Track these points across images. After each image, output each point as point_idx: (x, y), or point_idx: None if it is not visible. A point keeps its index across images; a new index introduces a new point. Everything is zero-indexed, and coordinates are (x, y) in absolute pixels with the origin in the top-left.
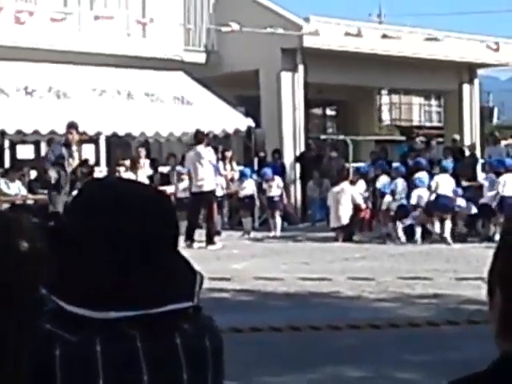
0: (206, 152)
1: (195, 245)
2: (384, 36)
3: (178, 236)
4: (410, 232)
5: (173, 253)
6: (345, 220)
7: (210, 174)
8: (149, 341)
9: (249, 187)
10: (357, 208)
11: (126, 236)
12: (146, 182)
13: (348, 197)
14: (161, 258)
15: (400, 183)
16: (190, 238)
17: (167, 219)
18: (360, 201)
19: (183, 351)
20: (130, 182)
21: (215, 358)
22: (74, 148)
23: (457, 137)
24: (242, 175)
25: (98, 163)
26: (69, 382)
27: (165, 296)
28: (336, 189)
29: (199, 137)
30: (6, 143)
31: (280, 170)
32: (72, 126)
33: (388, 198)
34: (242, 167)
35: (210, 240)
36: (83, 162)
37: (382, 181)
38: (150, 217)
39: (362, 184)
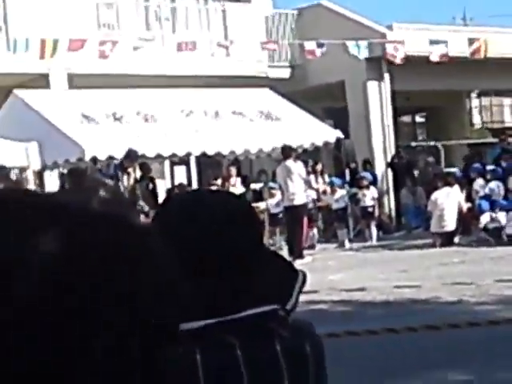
0: (295, 166)
1: (299, 261)
2: (469, 39)
3: (263, 235)
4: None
5: (261, 254)
6: (450, 225)
7: (301, 188)
8: (249, 349)
9: (341, 199)
10: (460, 212)
11: (205, 245)
12: None
13: (453, 201)
14: (244, 261)
15: (496, 186)
16: (292, 254)
17: (248, 224)
18: (464, 205)
19: (284, 358)
20: (211, 192)
21: (317, 365)
22: (131, 169)
23: None
24: (334, 185)
25: (189, 184)
26: None
27: (250, 300)
28: (440, 193)
29: (286, 151)
30: None
31: (372, 180)
32: (132, 157)
33: (486, 218)
34: (333, 178)
35: (299, 255)
36: (177, 186)
37: (478, 184)
38: (231, 224)
39: (456, 188)
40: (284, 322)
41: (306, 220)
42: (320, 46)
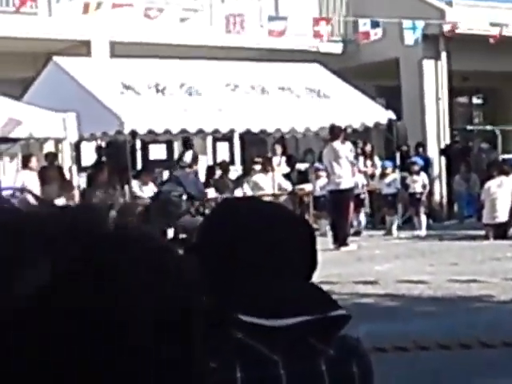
0: (343, 148)
1: (344, 248)
2: None
3: (315, 268)
4: None
5: (305, 283)
6: (502, 216)
7: (347, 172)
8: (292, 367)
9: (393, 183)
10: None
11: (256, 260)
12: (283, 180)
13: (506, 191)
14: (291, 281)
15: None
16: (337, 241)
17: (299, 247)
18: None
19: (329, 379)
20: (263, 205)
21: None
22: None
23: None
24: (385, 169)
25: (232, 162)
26: None
27: (293, 310)
28: (493, 182)
29: (335, 132)
30: (138, 144)
31: (424, 165)
32: None
33: None
34: (384, 161)
35: (343, 241)
36: (219, 164)
37: None
38: (279, 244)
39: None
40: (328, 337)
41: (352, 205)
42: (374, 26)
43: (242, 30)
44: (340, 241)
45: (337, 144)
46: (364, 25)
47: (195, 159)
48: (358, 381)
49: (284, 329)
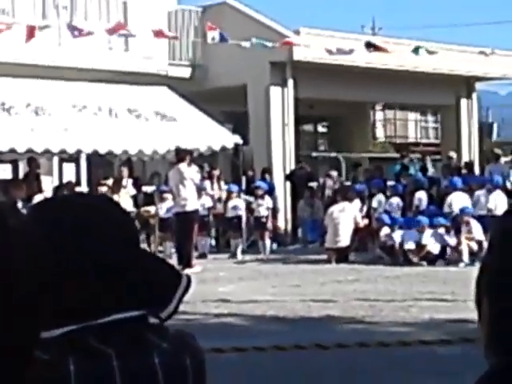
0: (188, 170)
1: (189, 270)
2: (371, 47)
3: (138, 236)
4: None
5: (135, 258)
6: (344, 241)
7: (193, 194)
8: (125, 360)
9: (237, 207)
10: (356, 228)
11: (67, 250)
12: (129, 202)
13: (348, 217)
14: (114, 265)
15: (396, 202)
16: (181, 262)
17: (118, 227)
18: (361, 221)
19: (162, 371)
20: (77, 196)
21: (197, 379)
22: None
23: (452, 154)
24: (230, 193)
25: (78, 183)
26: None
27: (119, 305)
28: (336, 207)
29: (181, 154)
30: None
31: (269, 190)
32: None
33: (386, 231)
34: (229, 185)
35: (187, 263)
36: (66, 184)
37: (378, 200)
38: (96, 227)
39: (357, 203)
40: (162, 331)
41: (196, 227)
42: (223, 40)
43: (89, 48)
44: (185, 262)
45: (183, 166)
46: (212, 39)
47: None
48: (191, 374)
49: (112, 324)
